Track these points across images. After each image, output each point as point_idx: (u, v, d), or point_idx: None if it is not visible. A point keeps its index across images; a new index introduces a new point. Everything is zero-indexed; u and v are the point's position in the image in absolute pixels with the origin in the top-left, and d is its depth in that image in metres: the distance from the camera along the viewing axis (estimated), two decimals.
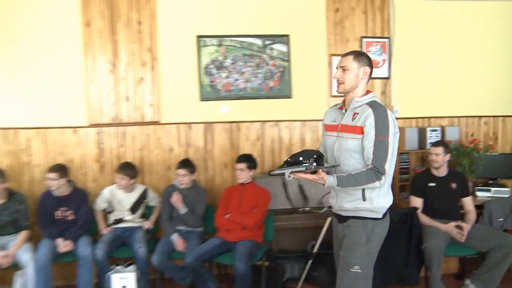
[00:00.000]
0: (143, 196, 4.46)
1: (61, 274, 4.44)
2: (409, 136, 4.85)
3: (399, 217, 3.86)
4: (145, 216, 4.49)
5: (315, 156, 2.53)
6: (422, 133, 4.87)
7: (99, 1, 4.57)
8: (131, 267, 4.12)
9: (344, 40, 4.94)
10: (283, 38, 4.78)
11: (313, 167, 2.51)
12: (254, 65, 4.76)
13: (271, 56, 4.77)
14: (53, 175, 4.12)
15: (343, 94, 2.79)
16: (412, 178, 4.42)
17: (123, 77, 4.65)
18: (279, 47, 4.78)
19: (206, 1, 4.72)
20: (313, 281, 4.29)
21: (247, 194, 4.15)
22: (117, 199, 4.38)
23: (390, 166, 2.62)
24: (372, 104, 2.64)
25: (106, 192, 4.41)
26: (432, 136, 4.79)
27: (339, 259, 2.81)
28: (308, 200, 4.51)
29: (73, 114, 4.62)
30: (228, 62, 4.72)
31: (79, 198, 4.28)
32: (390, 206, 2.76)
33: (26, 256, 3.98)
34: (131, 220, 4.39)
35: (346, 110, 2.75)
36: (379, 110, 2.60)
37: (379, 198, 2.67)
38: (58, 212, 4.21)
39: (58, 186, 4.16)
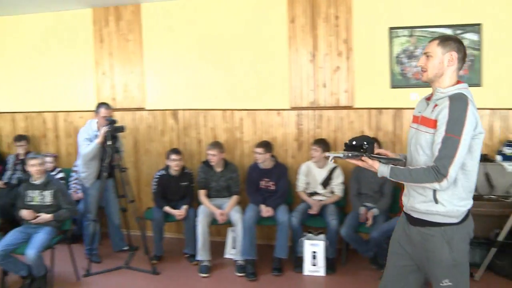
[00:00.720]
0: (333, 172, 4.73)
1: (262, 235, 4.94)
2: None
3: None
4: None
5: (365, 143, 2.42)
6: None
7: (302, 1, 4.92)
8: (321, 236, 4.46)
9: None
10: (475, 27, 4.55)
11: (350, 155, 2.40)
12: None
13: None
14: (260, 150, 4.64)
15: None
16: None
17: (321, 66, 4.96)
18: (470, 36, 4.58)
19: None
20: (496, 270, 4.22)
21: None
22: (312, 174, 4.74)
23: (471, 168, 2.32)
24: (453, 97, 2.28)
25: (304, 167, 4.80)
26: None
27: (393, 257, 2.61)
28: (494, 188, 4.37)
29: (278, 98, 5.08)
30: (418, 51, 4.66)
31: (280, 171, 4.73)
32: (469, 209, 2.40)
33: (236, 216, 4.57)
34: (323, 194, 4.70)
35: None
36: (457, 103, 2.24)
37: (453, 201, 2.32)
38: (262, 182, 4.72)
39: (263, 159, 4.65)
